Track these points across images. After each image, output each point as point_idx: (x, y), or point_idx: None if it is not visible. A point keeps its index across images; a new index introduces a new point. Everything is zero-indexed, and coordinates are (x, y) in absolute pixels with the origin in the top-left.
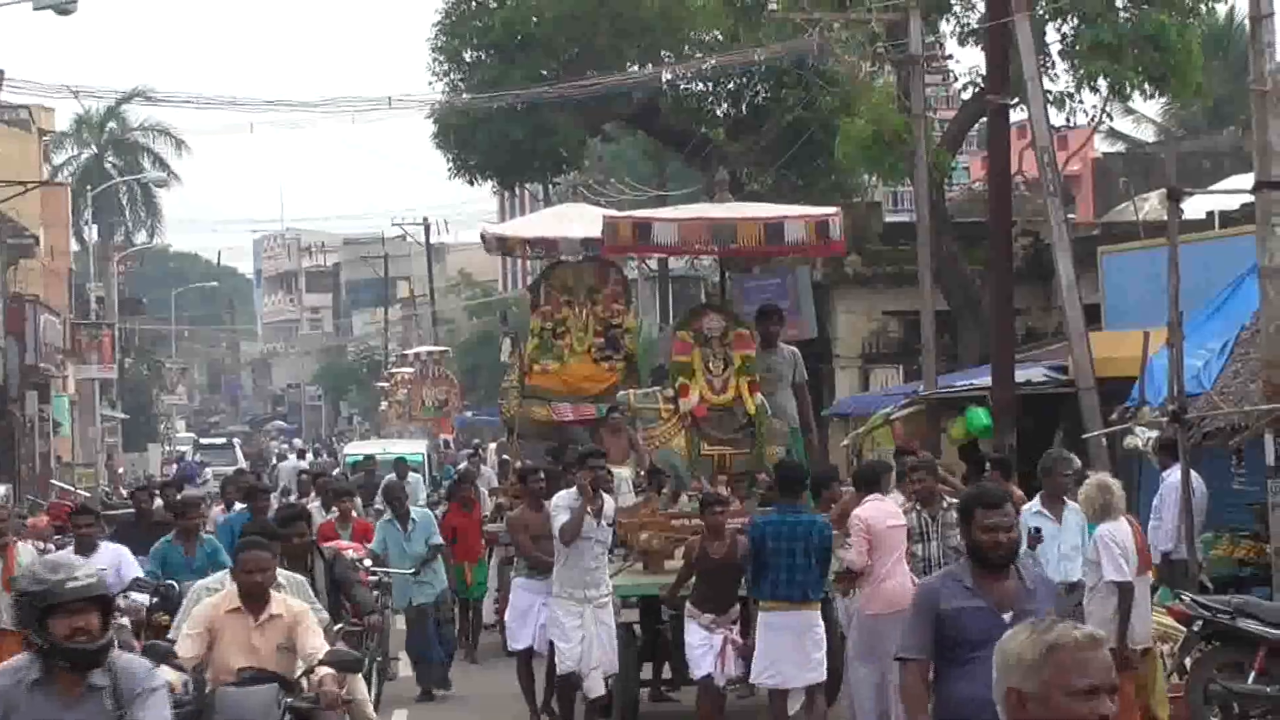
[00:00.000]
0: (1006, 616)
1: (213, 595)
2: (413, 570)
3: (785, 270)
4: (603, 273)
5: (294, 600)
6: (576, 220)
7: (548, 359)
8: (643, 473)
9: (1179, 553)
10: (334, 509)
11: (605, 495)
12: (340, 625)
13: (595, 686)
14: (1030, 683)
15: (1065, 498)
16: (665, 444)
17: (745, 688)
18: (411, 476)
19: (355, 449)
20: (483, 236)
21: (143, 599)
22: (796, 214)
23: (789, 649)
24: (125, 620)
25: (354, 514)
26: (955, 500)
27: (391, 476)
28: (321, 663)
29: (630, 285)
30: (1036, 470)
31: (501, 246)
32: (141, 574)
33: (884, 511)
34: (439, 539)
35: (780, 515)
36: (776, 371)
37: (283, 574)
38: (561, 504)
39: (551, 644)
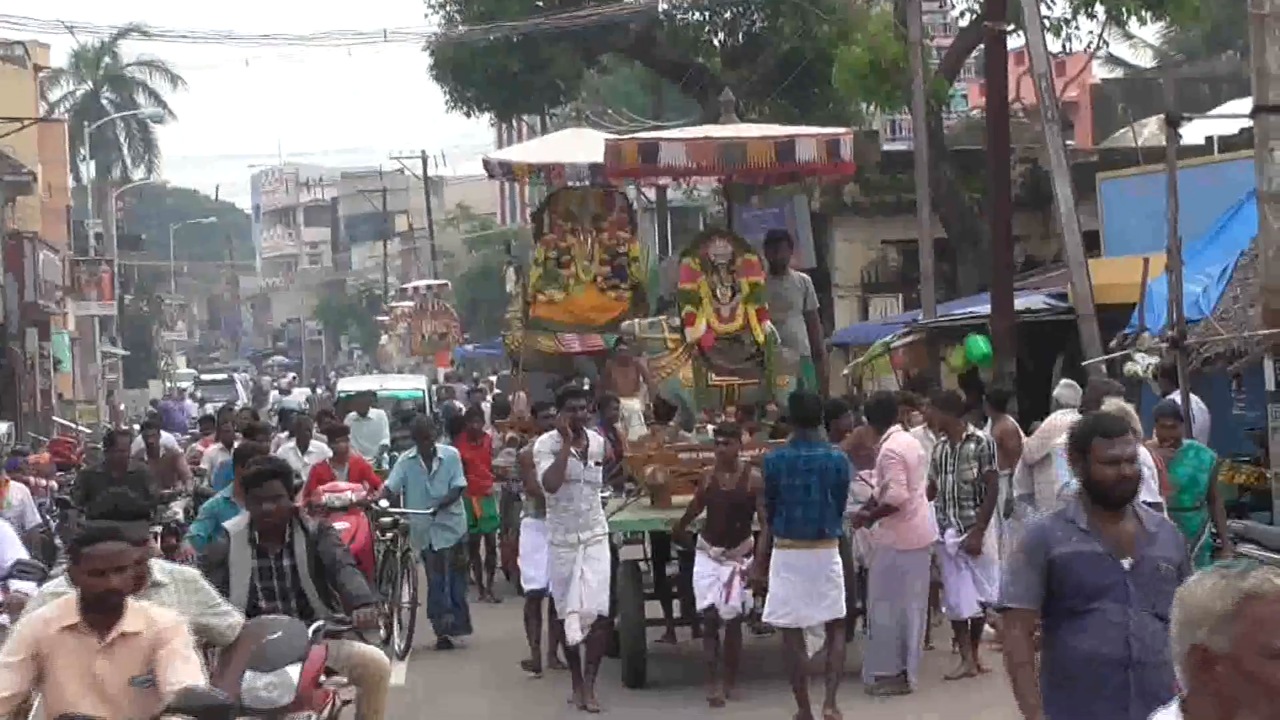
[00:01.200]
0: (1126, 563)
1: (49, 604)
2: (431, 512)
3: (783, 200)
4: (608, 199)
5: (161, 612)
6: (581, 145)
7: (553, 289)
8: (653, 405)
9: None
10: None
11: (590, 434)
12: (320, 623)
13: (572, 633)
14: (1221, 639)
15: None
16: (671, 375)
17: (763, 625)
18: (374, 413)
19: (350, 384)
20: (485, 163)
21: (29, 587)
22: (808, 133)
23: (804, 588)
24: (4, 619)
25: (350, 451)
26: (975, 433)
27: (380, 413)
28: (169, 710)
29: (635, 212)
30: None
31: (505, 173)
32: (25, 555)
33: (911, 444)
34: (463, 480)
35: (795, 449)
36: (786, 299)
37: (165, 568)
38: (543, 449)
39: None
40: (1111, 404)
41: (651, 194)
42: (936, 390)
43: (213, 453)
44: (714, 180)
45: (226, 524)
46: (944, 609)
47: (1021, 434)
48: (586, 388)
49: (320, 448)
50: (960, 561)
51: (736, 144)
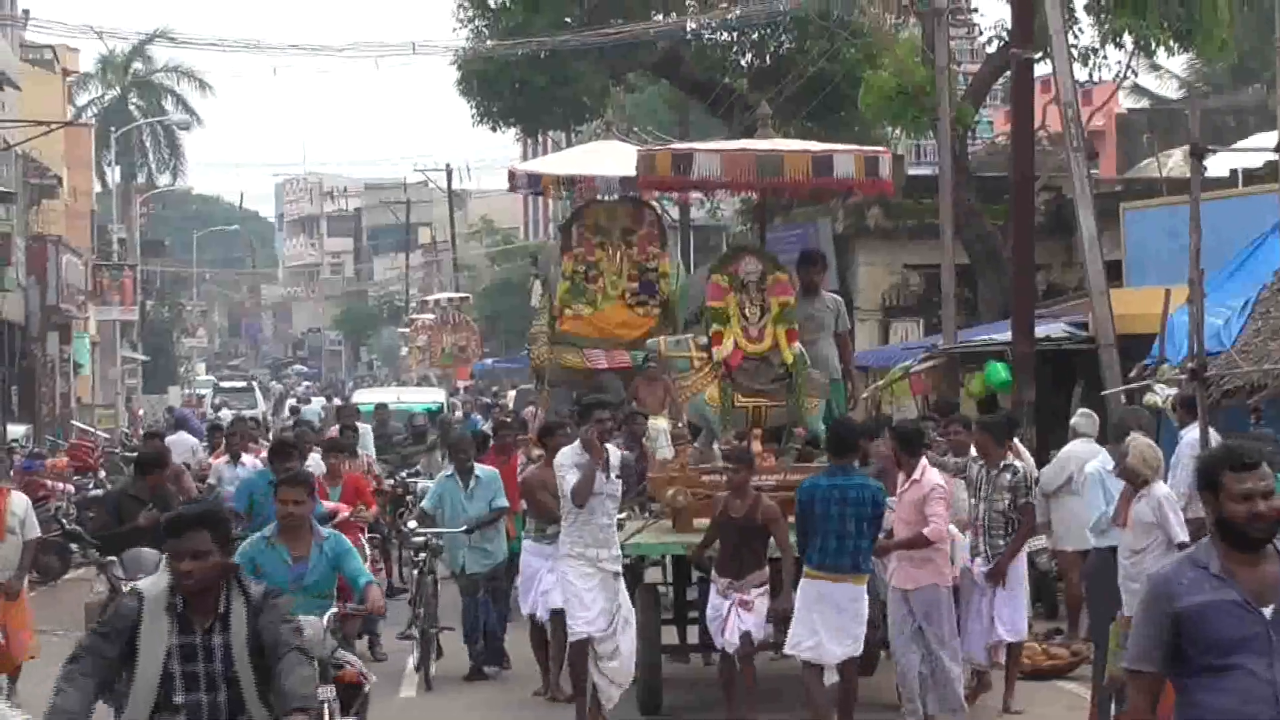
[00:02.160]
0: (1267, 611)
1: None
2: (466, 531)
3: (807, 222)
4: (638, 213)
5: None
6: (610, 157)
7: (580, 303)
8: (681, 424)
9: (1194, 510)
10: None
11: (610, 446)
12: None
13: (623, 676)
14: None
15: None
16: (697, 394)
17: (777, 653)
18: (360, 427)
19: (366, 396)
20: (511, 174)
21: None
22: (846, 149)
23: (830, 622)
24: None
25: (344, 468)
26: (1014, 463)
27: (366, 427)
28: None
29: (666, 228)
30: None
31: (532, 185)
32: None
33: (928, 478)
34: (504, 501)
35: (831, 478)
36: (817, 320)
37: None
38: (567, 462)
39: (550, 609)
40: (1137, 439)
41: (675, 212)
42: (984, 417)
43: (220, 466)
44: (741, 198)
45: (140, 585)
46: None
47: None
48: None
49: (315, 461)
50: (984, 597)
51: (773, 156)
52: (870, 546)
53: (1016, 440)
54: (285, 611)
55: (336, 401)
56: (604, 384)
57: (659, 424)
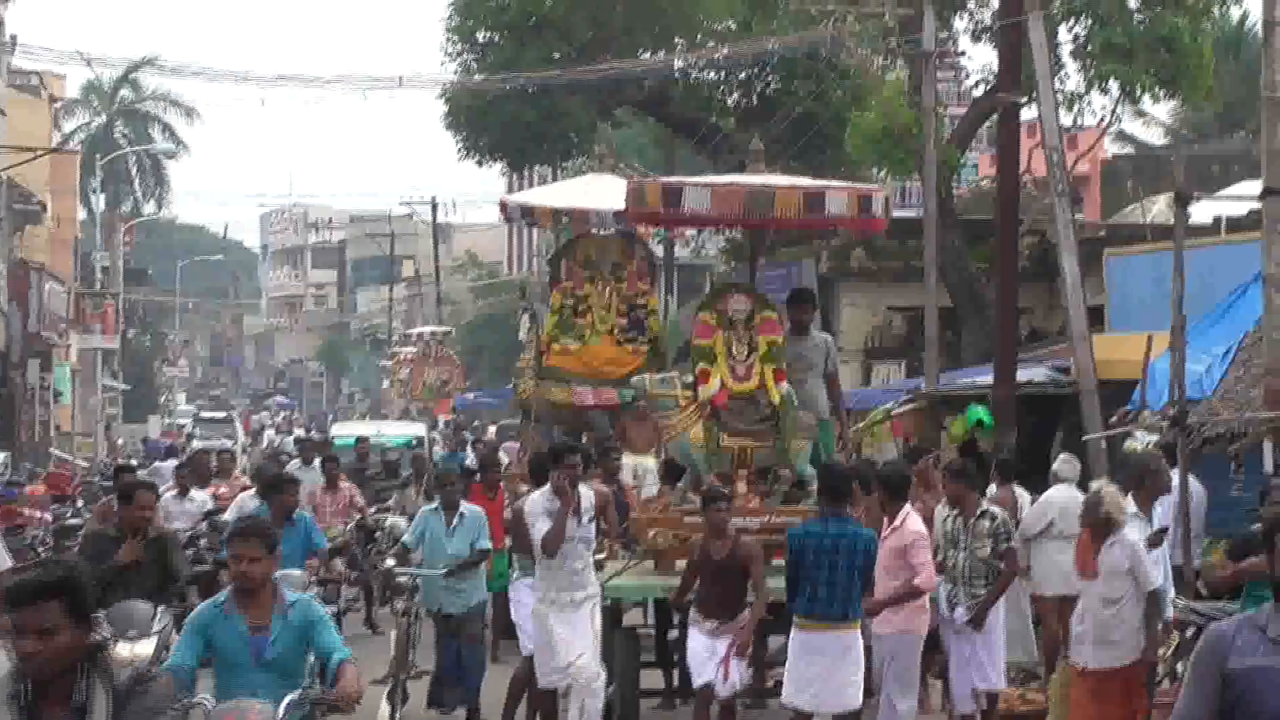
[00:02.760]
0: None
1: None
2: (445, 571)
3: (791, 262)
4: (628, 248)
5: None
6: (604, 191)
7: (568, 338)
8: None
9: (1175, 558)
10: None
11: (582, 488)
12: None
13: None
14: None
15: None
16: (682, 434)
17: (755, 698)
18: (317, 463)
19: (345, 430)
20: (503, 205)
21: None
22: (839, 186)
23: (825, 671)
24: None
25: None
26: (990, 509)
27: (386, 460)
28: None
29: (656, 264)
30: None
31: (525, 215)
32: None
33: (910, 528)
34: (487, 543)
35: (823, 525)
36: (806, 359)
37: None
38: (537, 510)
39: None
40: (1106, 486)
41: (660, 249)
42: (953, 460)
43: (166, 500)
44: (726, 236)
45: None
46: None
47: (1019, 507)
48: (584, 440)
49: (203, 498)
50: (965, 644)
51: (764, 192)
52: (860, 594)
53: (1016, 485)
54: (160, 696)
55: (315, 434)
56: (591, 421)
57: (646, 463)
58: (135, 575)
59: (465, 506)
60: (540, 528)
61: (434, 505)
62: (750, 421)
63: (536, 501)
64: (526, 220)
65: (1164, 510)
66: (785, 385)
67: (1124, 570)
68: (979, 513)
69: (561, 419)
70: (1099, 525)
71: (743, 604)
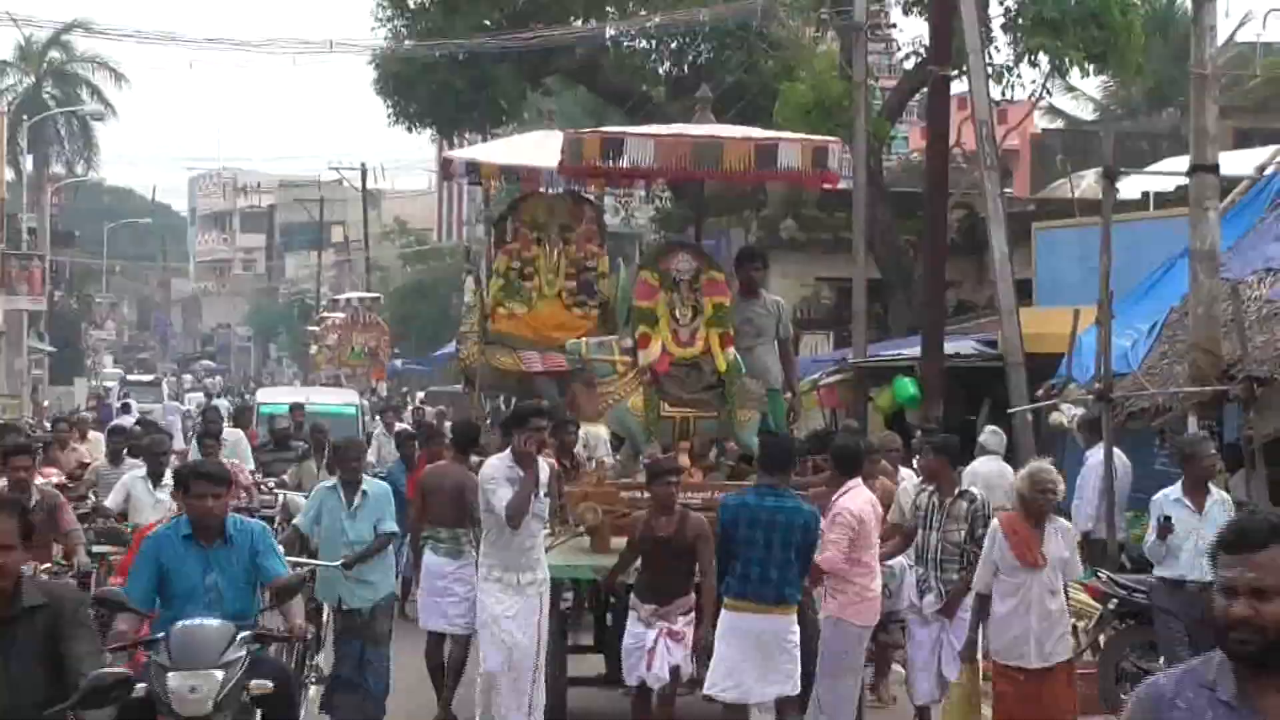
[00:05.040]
0: None
1: None
2: (343, 566)
3: (720, 232)
4: (577, 209)
5: None
6: (555, 149)
7: (514, 302)
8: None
9: (1099, 532)
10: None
11: (540, 460)
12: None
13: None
14: None
15: (1211, 484)
16: (619, 402)
17: (688, 687)
18: (228, 433)
19: (273, 396)
20: (446, 162)
21: None
22: (793, 137)
23: (753, 658)
24: None
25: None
26: (969, 490)
27: (236, 433)
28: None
29: (606, 225)
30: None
31: (469, 173)
32: None
33: (867, 502)
34: (392, 525)
35: (758, 496)
36: (757, 324)
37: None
38: (497, 475)
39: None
40: (1042, 465)
41: None
42: (934, 434)
43: (99, 466)
44: (656, 205)
45: None
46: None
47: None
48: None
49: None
50: (930, 631)
51: (711, 144)
52: (799, 575)
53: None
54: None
55: (235, 400)
56: (538, 388)
57: (598, 431)
58: None
59: (369, 483)
60: (502, 495)
61: (331, 483)
62: (694, 390)
63: (496, 466)
64: (470, 179)
65: (1083, 482)
66: (732, 351)
67: (1065, 558)
68: (957, 492)
69: (507, 386)
70: (1043, 511)
71: (686, 587)
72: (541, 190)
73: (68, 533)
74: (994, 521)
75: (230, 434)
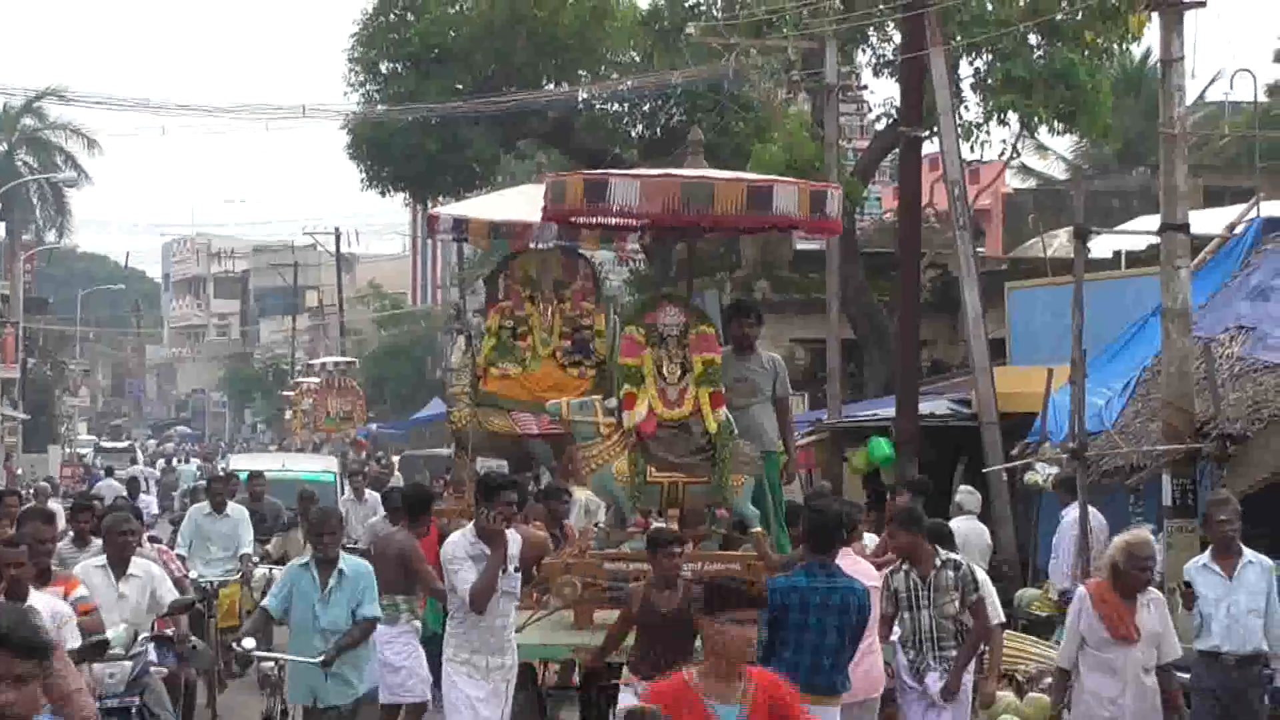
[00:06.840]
0: None
1: None
2: (319, 658)
3: (696, 294)
4: (571, 265)
5: None
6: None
7: (507, 362)
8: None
9: (1075, 590)
10: None
11: (510, 532)
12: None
13: None
14: None
15: (1243, 546)
16: (603, 466)
17: None
18: (143, 499)
19: (245, 463)
20: (433, 219)
21: None
22: (789, 181)
23: None
24: None
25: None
26: (951, 558)
27: (201, 507)
28: None
29: (602, 281)
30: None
31: (456, 229)
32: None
33: (859, 573)
34: (373, 609)
35: (810, 578)
36: (752, 382)
37: None
38: (459, 553)
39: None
40: (1133, 534)
41: None
42: (899, 507)
43: (62, 548)
44: (630, 267)
45: None
46: None
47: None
48: (528, 476)
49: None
50: (933, 713)
51: (702, 185)
52: (848, 662)
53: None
54: None
55: (206, 466)
56: (531, 450)
57: (596, 498)
58: None
59: (345, 561)
60: (465, 576)
61: (304, 559)
62: (682, 453)
63: (458, 544)
64: (457, 236)
65: (1059, 540)
66: (724, 411)
67: (1158, 633)
68: (939, 564)
69: (500, 449)
70: (1138, 586)
71: (686, 663)
72: (532, 246)
73: None
74: (1080, 589)
75: (235, 509)
